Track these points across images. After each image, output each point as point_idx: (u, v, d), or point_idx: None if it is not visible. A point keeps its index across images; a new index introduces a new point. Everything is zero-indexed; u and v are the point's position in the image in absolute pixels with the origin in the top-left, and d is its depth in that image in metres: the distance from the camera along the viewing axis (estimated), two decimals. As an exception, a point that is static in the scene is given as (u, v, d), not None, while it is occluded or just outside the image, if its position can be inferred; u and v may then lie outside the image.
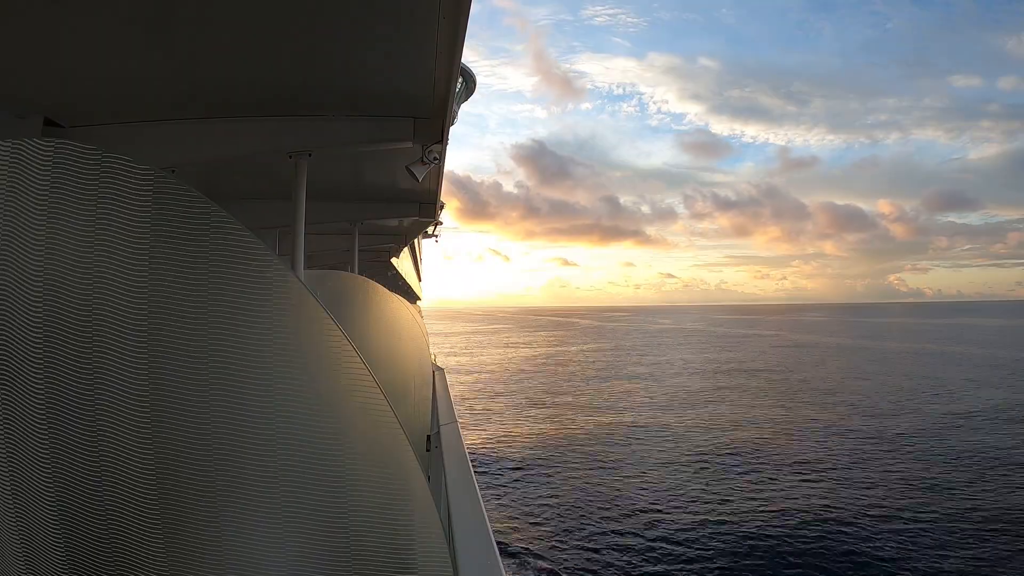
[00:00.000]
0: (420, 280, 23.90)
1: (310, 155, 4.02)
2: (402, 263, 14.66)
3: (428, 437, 4.12)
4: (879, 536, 11.45)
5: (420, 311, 20.13)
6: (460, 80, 6.03)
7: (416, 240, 13.92)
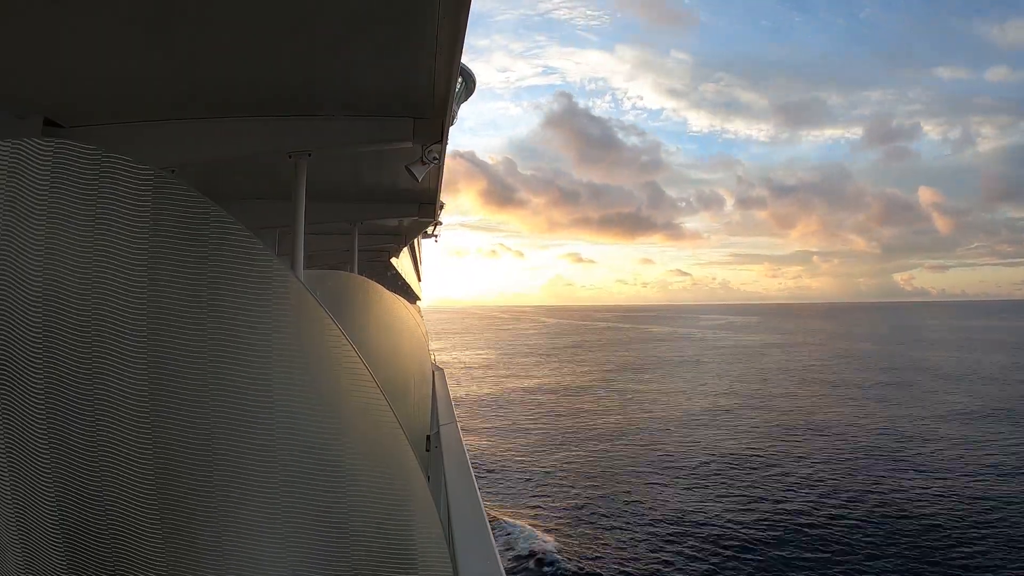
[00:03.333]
0: (420, 280, 23.91)
1: (310, 155, 4.02)
2: (402, 263, 14.66)
3: (428, 437, 4.12)
4: None
5: (420, 311, 20.14)
6: (460, 80, 6.03)
7: (416, 240, 13.92)
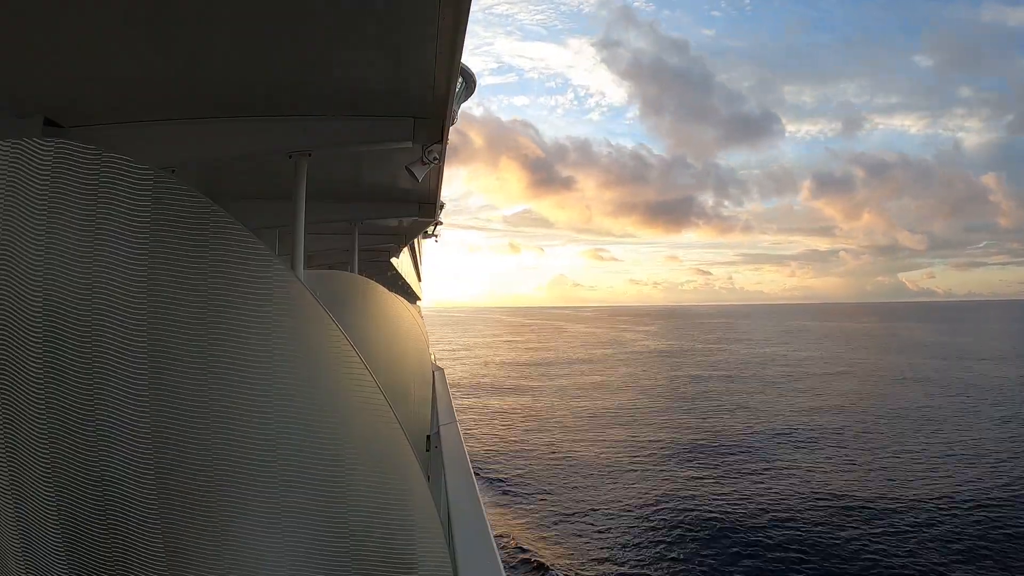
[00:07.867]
0: (420, 280, 23.91)
1: (310, 155, 4.02)
2: (402, 263, 14.68)
3: (428, 437, 4.13)
4: None
5: (420, 312, 20.15)
6: (460, 80, 6.04)
7: (416, 240, 13.93)
